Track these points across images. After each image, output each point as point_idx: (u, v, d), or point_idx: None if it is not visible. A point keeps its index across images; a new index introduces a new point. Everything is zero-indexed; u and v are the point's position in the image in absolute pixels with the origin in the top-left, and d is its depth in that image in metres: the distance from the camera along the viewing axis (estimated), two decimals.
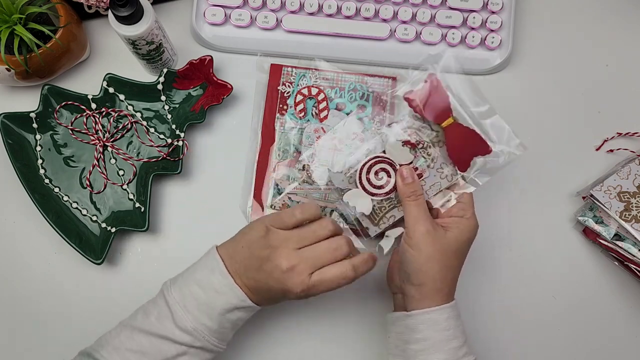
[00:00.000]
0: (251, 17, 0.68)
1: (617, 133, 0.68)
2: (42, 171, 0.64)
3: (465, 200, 0.56)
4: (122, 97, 0.66)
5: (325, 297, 0.61)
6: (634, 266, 0.62)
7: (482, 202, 0.59)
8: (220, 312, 0.52)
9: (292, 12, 0.68)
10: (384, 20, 0.68)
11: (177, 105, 0.67)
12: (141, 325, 0.52)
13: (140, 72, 0.68)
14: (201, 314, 0.51)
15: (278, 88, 0.67)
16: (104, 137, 0.65)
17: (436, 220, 0.55)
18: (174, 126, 0.66)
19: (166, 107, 0.66)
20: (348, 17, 0.68)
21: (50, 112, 0.65)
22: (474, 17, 0.68)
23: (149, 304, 0.54)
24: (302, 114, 0.67)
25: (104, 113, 0.65)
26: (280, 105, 0.67)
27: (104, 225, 0.63)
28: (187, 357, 0.52)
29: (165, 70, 0.65)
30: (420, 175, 0.57)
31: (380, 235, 0.59)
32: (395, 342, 0.55)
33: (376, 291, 0.64)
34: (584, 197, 0.66)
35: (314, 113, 0.67)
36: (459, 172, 0.57)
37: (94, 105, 0.65)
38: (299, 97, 0.67)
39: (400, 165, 0.57)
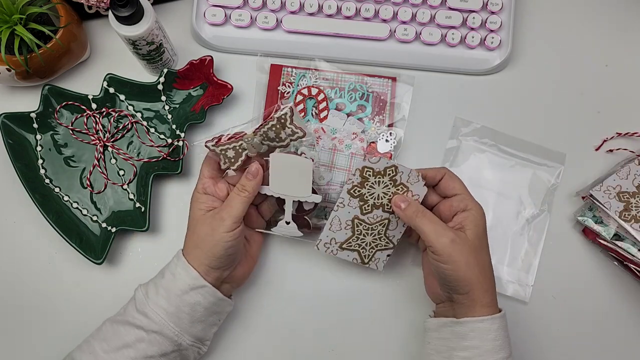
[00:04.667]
0: (251, 18, 0.68)
1: (617, 133, 0.68)
2: (42, 171, 0.64)
3: (460, 190, 0.56)
4: (122, 97, 0.66)
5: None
6: (634, 266, 0.62)
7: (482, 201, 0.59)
8: (177, 293, 0.53)
9: (292, 12, 0.68)
10: (384, 21, 0.69)
11: (177, 106, 0.67)
12: (112, 317, 0.55)
13: (140, 72, 0.68)
14: (159, 297, 0.53)
15: (278, 88, 0.67)
16: (104, 137, 0.65)
17: (448, 224, 0.54)
18: (174, 126, 0.66)
19: (166, 107, 0.66)
20: (348, 18, 0.69)
21: (50, 112, 0.65)
22: (473, 18, 0.68)
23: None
24: (302, 114, 0.67)
25: (104, 113, 0.65)
26: None
27: (104, 225, 0.63)
28: (144, 345, 0.52)
29: (165, 70, 0.65)
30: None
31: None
32: (437, 348, 0.54)
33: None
34: (583, 197, 0.66)
35: (314, 113, 0.67)
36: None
37: (94, 106, 0.65)
38: (299, 97, 0.67)
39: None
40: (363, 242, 0.60)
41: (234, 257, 0.56)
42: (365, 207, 0.57)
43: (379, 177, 0.56)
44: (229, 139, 0.55)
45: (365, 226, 0.58)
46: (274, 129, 0.55)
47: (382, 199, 0.57)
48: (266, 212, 0.61)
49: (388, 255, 0.61)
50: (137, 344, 0.52)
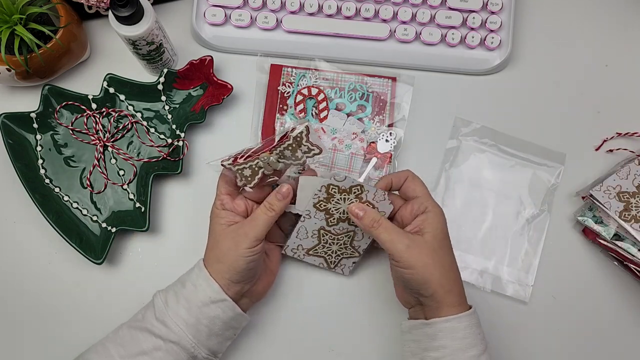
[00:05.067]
0: (251, 18, 0.68)
1: (617, 133, 0.68)
2: (42, 171, 0.64)
3: (420, 192, 0.56)
4: (122, 97, 0.66)
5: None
6: (634, 266, 0.62)
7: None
8: (198, 305, 0.53)
9: (292, 12, 0.68)
10: (384, 21, 0.69)
11: (177, 106, 0.67)
12: (129, 321, 0.55)
13: (140, 72, 0.68)
14: (179, 307, 0.53)
15: (278, 88, 0.67)
16: (104, 137, 0.65)
17: (406, 229, 0.55)
18: (174, 126, 0.66)
19: (166, 107, 0.66)
20: (348, 18, 0.69)
21: (50, 112, 0.65)
22: (473, 18, 0.68)
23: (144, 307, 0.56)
24: (302, 114, 0.67)
25: (104, 113, 0.65)
26: (280, 106, 0.67)
27: (104, 225, 0.63)
28: (161, 354, 0.52)
29: (165, 70, 0.65)
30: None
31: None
32: (412, 350, 0.55)
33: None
34: (583, 197, 0.66)
35: (314, 113, 0.67)
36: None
37: (94, 106, 0.65)
38: (299, 97, 0.67)
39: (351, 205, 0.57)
40: (329, 250, 0.61)
41: (254, 271, 0.56)
42: (330, 220, 0.59)
43: (345, 195, 0.57)
44: (244, 158, 0.56)
45: (331, 236, 0.60)
46: (290, 148, 0.56)
47: (347, 213, 0.58)
48: (285, 227, 0.62)
49: (354, 262, 0.63)
50: (154, 352, 0.52)
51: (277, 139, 0.57)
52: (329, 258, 0.62)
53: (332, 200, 0.57)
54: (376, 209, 0.57)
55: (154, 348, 0.52)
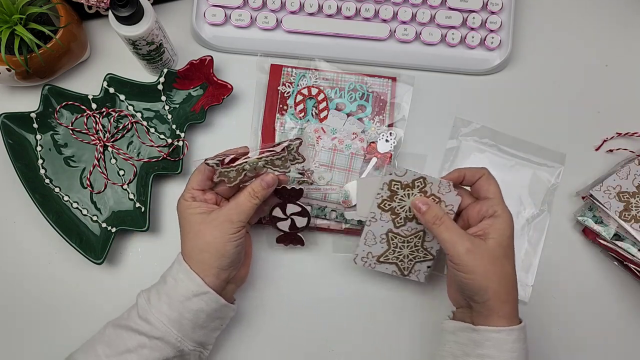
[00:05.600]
0: (251, 18, 0.68)
1: (617, 133, 0.68)
2: (42, 171, 0.64)
3: (493, 194, 0.54)
4: (122, 97, 0.66)
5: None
6: (634, 266, 0.62)
7: None
8: (180, 299, 0.53)
9: (292, 12, 0.68)
10: (384, 21, 0.69)
11: (177, 106, 0.67)
12: (114, 320, 0.56)
13: (140, 72, 0.68)
14: (161, 303, 0.53)
15: (278, 88, 0.67)
16: (104, 137, 0.65)
17: (470, 230, 0.53)
18: (174, 126, 0.66)
19: (166, 107, 0.66)
20: (348, 18, 0.69)
21: (50, 112, 0.65)
22: (473, 18, 0.68)
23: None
24: (302, 114, 0.67)
25: (104, 113, 0.65)
26: (280, 106, 0.67)
27: (104, 225, 0.63)
28: (147, 351, 0.52)
29: (165, 70, 0.65)
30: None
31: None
32: (453, 352, 0.54)
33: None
34: (583, 197, 0.66)
35: (314, 113, 0.67)
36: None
37: (94, 106, 0.65)
38: (299, 97, 0.67)
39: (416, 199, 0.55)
40: (400, 255, 0.59)
41: (241, 255, 0.56)
42: (397, 220, 0.57)
43: (408, 190, 0.55)
44: (229, 162, 0.56)
45: (401, 239, 0.58)
46: (282, 158, 0.57)
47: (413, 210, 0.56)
48: (265, 210, 0.61)
49: (428, 267, 0.60)
50: (140, 349, 0.52)
51: (271, 148, 0.58)
52: (401, 264, 0.59)
53: (396, 198, 0.55)
54: (442, 202, 0.55)
55: (139, 345, 0.52)
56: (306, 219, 0.61)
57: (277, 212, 0.61)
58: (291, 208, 0.60)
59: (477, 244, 0.51)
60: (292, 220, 0.61)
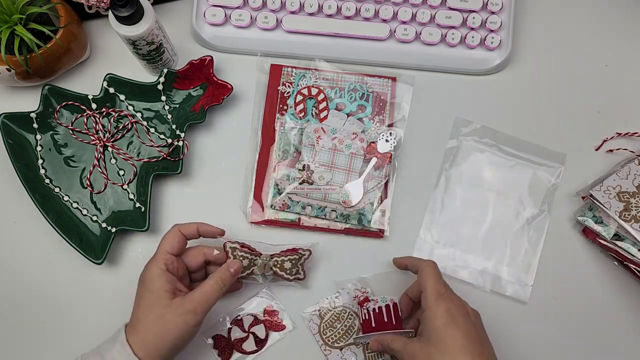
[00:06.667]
0: (251, 18, 0.68)
1: (617, 133, 0.68)
2: (42, 171, 0.64)
3: (425, 289, 0.55)
4: (122, 97, 0.66)
5: None
6: (634, 266, 0.62)
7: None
8: None
9: (292, 12, 0.68)
10: (384, 21, 0.69)
11: (177, 106, 0.67)
12: None
13: (140, 72, 0.68)
14: None
15: (278, 88, 0.67)
16: (104, 137, 0.65)
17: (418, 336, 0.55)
18: (174, 126, 0.66)
19: (166, 107, 0.66)
20: (348, 18, 0.69)
21: (50, 112, 0.65)
22: (473, 18, 0.68)
23: None
24: (302, 114, 0.67)
25: (104, 113, 0.65)
26: (280, 106, 0.67)
27: (104, 225, 0.63)
28: None
29: (165, 70, 0.65)
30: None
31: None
32: None
33: None
34: (583, 197, 0.66)
35: (314, 113, 0.67)
36: None
37: (94, 106, 0.65)
38: (299, 97, 0.67)
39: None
40: None
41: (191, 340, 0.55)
42: None
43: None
44: (243, 247, 0.59)
45: None
46: (293, 261, 0.60)
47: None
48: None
49: None
50: None
51: (283, 249, 0.61)
52: None
53: None
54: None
55: None
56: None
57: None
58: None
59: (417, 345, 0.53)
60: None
